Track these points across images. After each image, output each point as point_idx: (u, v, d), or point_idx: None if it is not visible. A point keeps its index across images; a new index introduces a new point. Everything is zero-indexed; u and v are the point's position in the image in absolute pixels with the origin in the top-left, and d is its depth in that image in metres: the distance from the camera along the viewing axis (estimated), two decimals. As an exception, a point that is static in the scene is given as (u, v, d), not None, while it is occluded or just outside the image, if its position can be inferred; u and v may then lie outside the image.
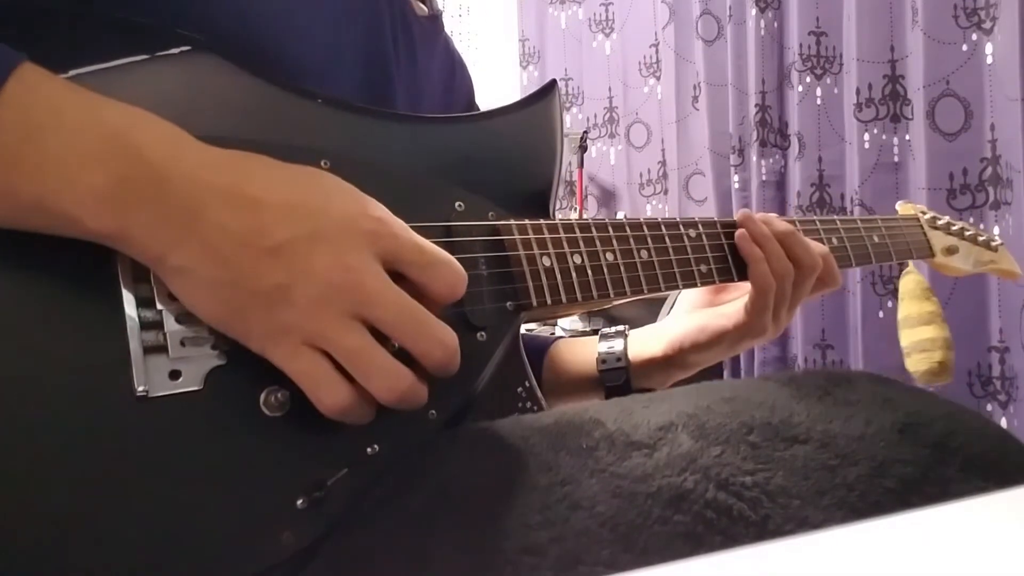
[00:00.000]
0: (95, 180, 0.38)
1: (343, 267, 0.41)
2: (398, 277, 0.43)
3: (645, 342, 0.75)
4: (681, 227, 0.63)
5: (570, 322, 2.12)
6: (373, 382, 0.41)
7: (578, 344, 0.79)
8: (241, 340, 0.41)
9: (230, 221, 0.40)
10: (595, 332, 0.78)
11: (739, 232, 0.67)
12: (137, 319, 0.40)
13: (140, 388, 0.39)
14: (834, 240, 0.75)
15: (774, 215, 0.72)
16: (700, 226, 0.65)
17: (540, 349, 0.79)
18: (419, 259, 0.43)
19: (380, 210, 0.44)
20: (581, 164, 2.58)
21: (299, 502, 0.41)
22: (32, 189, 0.37)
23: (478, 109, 0.79)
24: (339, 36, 0.57)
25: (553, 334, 2.05)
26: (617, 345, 0.75)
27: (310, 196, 0.42)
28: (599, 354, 0.75)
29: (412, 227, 0.45)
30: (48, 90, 0.39)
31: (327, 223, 0.41)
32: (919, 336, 1.48)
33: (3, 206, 0.38)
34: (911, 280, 1.50)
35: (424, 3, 0.70)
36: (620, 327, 0.77)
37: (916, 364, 1.48)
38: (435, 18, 0.71)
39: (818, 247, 0.70)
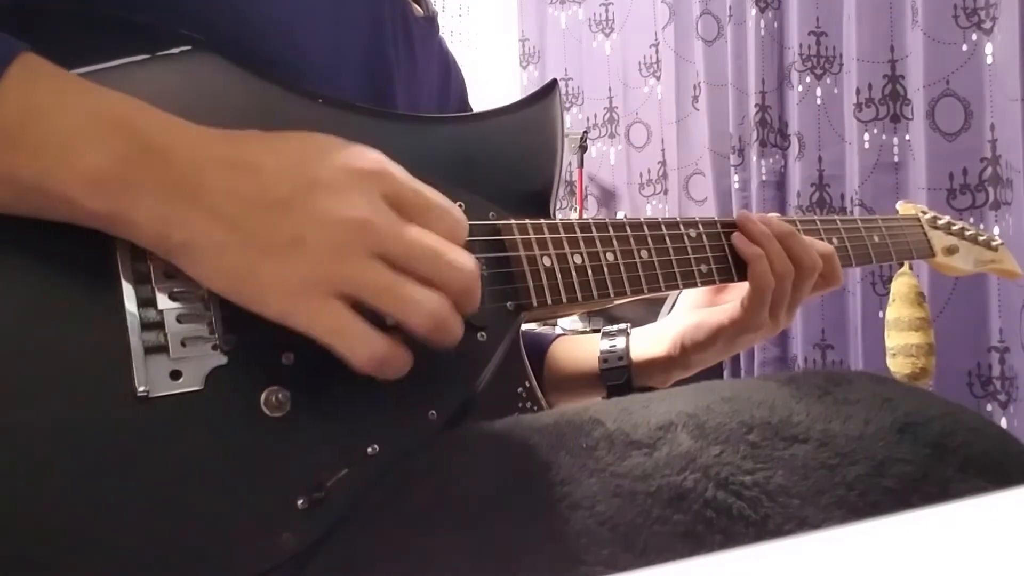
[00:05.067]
0: (95, 160, 0.38)
1: (350, 207, 0.41)
2: None
3: (647, 341, 0.75)
4: (681, 227, 0.63)
5: (570, 322, 2.12)
6: (411, 312, 0.41)
7: (580, 341, 0.79)
8: (257, 308, 0.40)
9: (232, 185, 0.40)
10: (596, 331, 0.78)
11: (736, 234, 0.67)
12: (138, 319, 0.40)
13: (141, 388, 0.39)
14: (834, 240, 0.75)
15: (775, 215, 0.72)
16: (700, 226, 0.65)
17: (541, 346, 0.79)
18: (418, 200, 0.44)
19: (374, 154, 0.44)
20: (581, 164, 2.58)
21: (299, 502, 0.41)
22: (32, 170, 0.37)
23: (470, 109, 0.79)
24: (341, 37, 0.57)
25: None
26: (619, 343, 0.75)
27: (306, 151, 0.43)
28: (601, 352, 0.75)
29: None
30: (49, 76, 0.39)
31: (326, 170, 0.41)
32: (906, 340, 1.49)
33: (3, 189, 0.38)
34: (905, 283, 1.51)
35: (420, 4, 0.70)
36: (622, 325, 0.77)
37: (900, 366, 1.50)
38: (431, 19, 0.71)
39: (822, 246, 0.70)
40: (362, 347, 0.41)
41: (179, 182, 0.39)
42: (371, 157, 0.43)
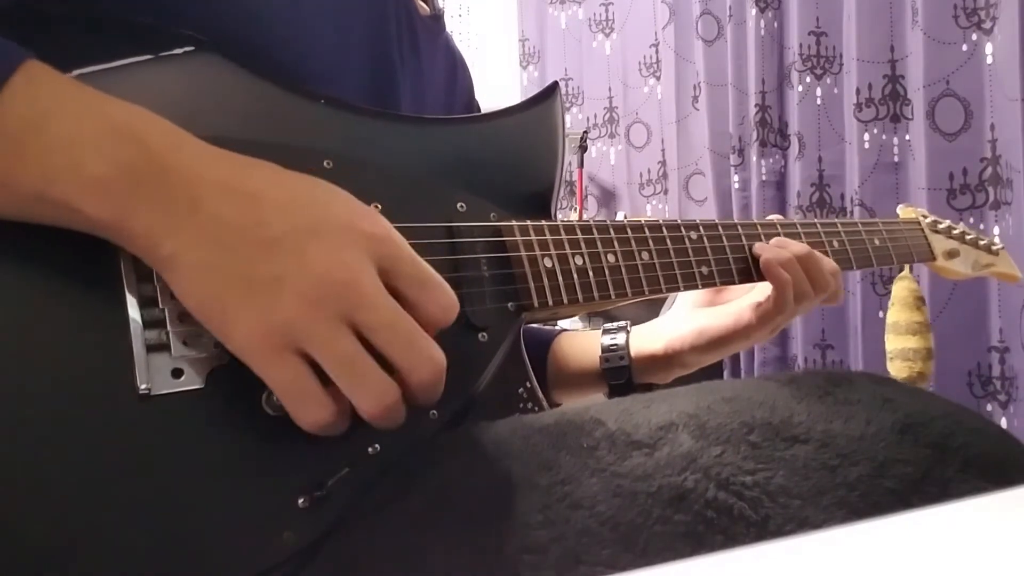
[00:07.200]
0: (96, 168, 0.38)
1: (339, 264, 0.40)
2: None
3: (647, 339, 0.75)
4: (682, 229, 0.63)
5: (571, 323, 2.12)
6: (360, 393, 0.40)
7: (581, 337, 0.80)
8: (220, 336, 0.40)
9: (228, 212, 0.39)
10: (597, 329, 0.79)
11: (765, 259, 0.66)
12: (140, 317, 0.40)
13: (142, 386, 0.39)
14: (835, 243, 0.75)
15: (776, 217, 0.72)
16: (701, 228, 0.65)
17: (544, 342, 0.80)
18: (415, 273, 0.42)
19: (381, 219, 0.43)
20: (581, 164, 2.58)
21: (300, 501, 0.41)
22: (34, 178, 0.37)
23: (478, 106, 0.79)
24: (344, 37, 0.57)
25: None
26: (620, 339, 0.75)
27: (310, 195, 0.42)
28: (602, 347, 0.75)
29: (414, 227, 0.45)
30: (53, 84, 0.39)
31: (327, 220, 0.41)
32: (904, 344, 1.50)
33: (4, 195, 0.38)
34: (904, 287, 1.52)
35: (426, 2, 0.70)
36: (622, 322, 0.78)
37: (897, 370, 1.51)
38: (437, 17, 0.71)
39: (828, 265, 0.70)
40: (307, 413, 0.40)
41: (176, 196, 0.39)
42: (376, 220, 0.42)
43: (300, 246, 0.40)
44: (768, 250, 0.67)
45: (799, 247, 0.69)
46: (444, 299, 0.43)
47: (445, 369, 0.42)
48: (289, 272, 0.39)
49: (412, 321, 0.41)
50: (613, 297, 0.57)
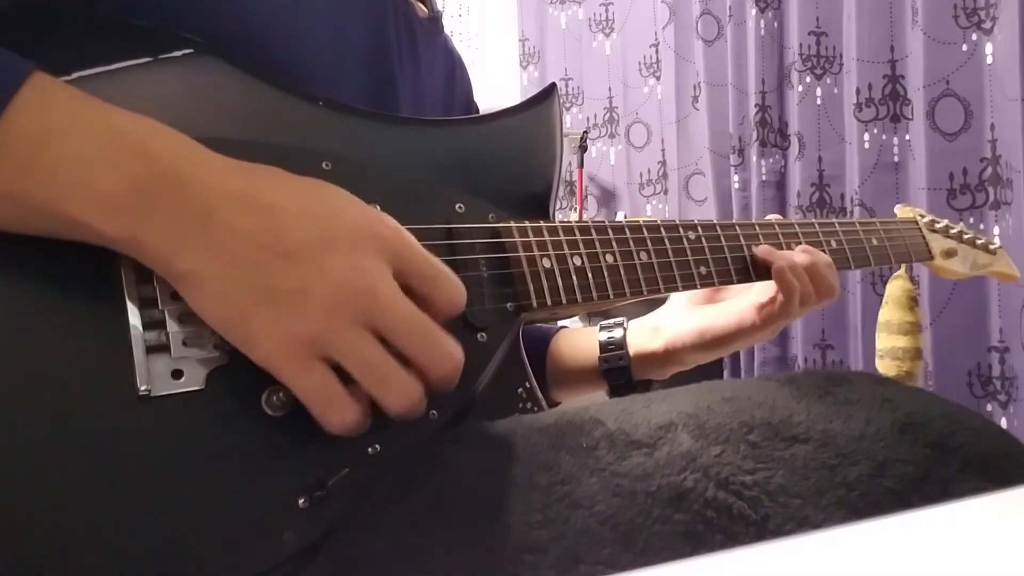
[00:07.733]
0: (107, 184, 0.38)
1: (358, 272, 0.40)
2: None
3: (644, 336, 0.75)
4: (680, 229, 0.63)
5: (571, 323, 2.13)
6: (388, 393, 0.41)
7: (579, 335, 0.80)
8: (244, 348, 0.40)
9: (242, 224, 0.39)
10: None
11: (776, 267, 0.67)
12: (140, 318, 0.40)
13: (142, 388, 0.39)
14: (832, 243, 0.75)
15: (775, 218, 0.72)
16: (699, 228, 0.65)
17: (543, 340, 0.80)
18: (427, 270, 0.43)
19: (391, 220, 0.44)
20: (581, 164, 2.58)
21: (300, 501, 0.41)
22: (44, 193, 0.37)
23: (476, 108, 0.79)
24: (343, 39, 0.57)
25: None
26: (616, 334, 0.76)
27: (324, 203, 0.42)
28: (600, 345, 0.76)
29: (413, 228, 0.45)
30: (61, 98, 0.39)
31: (342, 228, 0.41)
32: (895, 343, 1.50)
33: (14, 210, 0.38)
34: (899, 287, 1.52)
35: (425, 4, 0.70)
36: (619, 319, 0.78)
37: (886, 368, 1.51)
38: (436, 19, 0.72)
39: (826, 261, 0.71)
40: (336, 416, 0.41)
41: (188, 212, 0.39)
42: (387, 223, 0.43)
43: (318, 256, 0.40)
44: (778, 257, 0.67)
45: (820, 258, 0.70)
46: (452, 291, 0.44)
47: (462, 362, 0.44)
48: (310, 283, 0.40)
49: (428, 320, 0.42)
50: (612, 297, 0.57)
